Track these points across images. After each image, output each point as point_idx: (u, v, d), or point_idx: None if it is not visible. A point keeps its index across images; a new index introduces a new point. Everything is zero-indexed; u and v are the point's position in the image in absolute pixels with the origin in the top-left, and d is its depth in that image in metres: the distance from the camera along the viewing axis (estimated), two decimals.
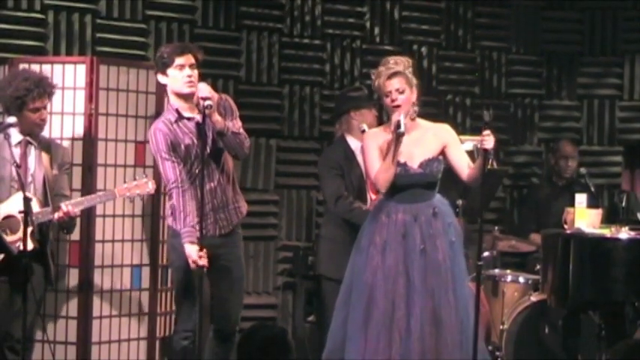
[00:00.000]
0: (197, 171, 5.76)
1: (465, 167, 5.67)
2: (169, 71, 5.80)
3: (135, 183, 5.91)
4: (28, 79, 5.86)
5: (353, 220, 6.44)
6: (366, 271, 5.61)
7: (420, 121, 5.74)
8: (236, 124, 5.86)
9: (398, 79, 5.61)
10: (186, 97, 5.83)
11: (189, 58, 5.80)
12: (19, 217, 5.65)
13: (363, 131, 6.52)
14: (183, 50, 5.83)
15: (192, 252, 5.65)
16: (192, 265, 5.66)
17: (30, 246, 5.54)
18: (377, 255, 5.59)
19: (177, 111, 5.85)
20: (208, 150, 5.79)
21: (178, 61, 5.78)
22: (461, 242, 5.70)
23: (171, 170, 5.78)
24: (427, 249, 5.54)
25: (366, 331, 5.54)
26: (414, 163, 5.63)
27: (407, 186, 5.62)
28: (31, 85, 5.82)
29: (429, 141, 5.66)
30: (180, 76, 5.78)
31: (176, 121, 5.83)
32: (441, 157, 5.67)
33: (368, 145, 5.72)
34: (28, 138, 5.91)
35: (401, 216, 5.61)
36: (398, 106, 5.58)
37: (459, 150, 5.73)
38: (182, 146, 5.80)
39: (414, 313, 5.48)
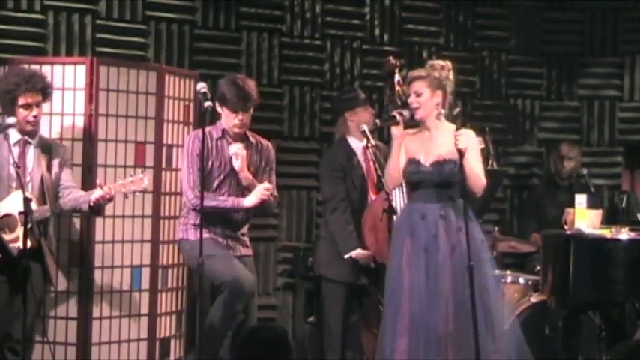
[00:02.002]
0: (219, 190, 6.10)
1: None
2: (224, 108, 6.08)
3: (130, 179, 5.91)
4: (19, 74, 5.90)
5: (336, 238, 6.53)
6: (388, 270, 5.72)
7: (447, 123, 5.80)
8: (271, 179, 6.25)
9: (417, 83, 5.76)
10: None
11: (246, 109, 6.09)
12: (17, 215, 5.68)
13: (363, 132, 6.53)
14: (244, 106, 6.06)
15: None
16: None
17: (28, 244, 5.54)
18: (394, 253, 5.69)
19: (223, 131, 6.15)
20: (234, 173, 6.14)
21: (234, 107, 6.05)
22: (476, 246, 5.65)
23: (195, 183, 6.02)
24: (430, 249, 5.58)
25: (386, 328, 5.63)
26: (427, 162, 5.70)
27: (417, 183, 5.70)
28: (21, 80, 5.83)
29: (447, 143, 5.68)
30: (232, 118, 6.08)
31: (217, 139, 6.13)
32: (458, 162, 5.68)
33: (394, 143, 5.83)
34: (26, 137, 5.90)
35: (411, 215, 5.71)
36: (416, 108, 5.73)
37: (474, 158, 5.73)
38: (209, 162, 6.07)
39: (414, 314, 5.51)
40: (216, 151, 6.12)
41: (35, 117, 5.87)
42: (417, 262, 5.59)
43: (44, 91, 5.91)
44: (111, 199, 5.90)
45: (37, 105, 5.88)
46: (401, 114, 5.71)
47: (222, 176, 6.12)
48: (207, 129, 6.11)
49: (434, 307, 5.52)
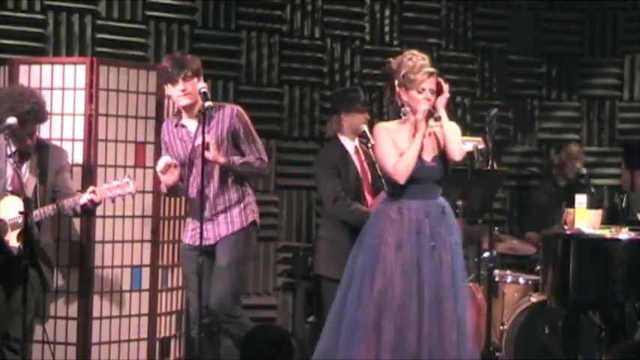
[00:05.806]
0: (190, 177, 5.94)
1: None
2: (169, 86, 5.95)
3: (116, 183, 5.89)
4: (13, 110, 5.75)
5: (351, 222, 6.42)
6: (376, 271, 5.52)
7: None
8: (253, 148, 5.96)
9: (433, 80, 5.56)
10: (188, 107, 5.98)
11: (185, 74, 5.89)
12: (8, 220, 5.73)
13: (364, 132, 6.52)
14: (180, 72, 5.87)
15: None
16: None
17: (16, 245, 5.66)
18: (390, 254, 5.51)
19: (179, 114, 6.03)
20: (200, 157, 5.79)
21: (172, 77, 5.89)
22: (461, 244, 5.69)
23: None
24: (437, 246, 5.53)
25: (379, 331, 5.48)
26: (428, 157, 5.60)
27: (421, 179, 5.58)
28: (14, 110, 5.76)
29: (438, 139, 5.64)
30: (174, 91, 5.92)
31: (176, 125, 6.02)
32: None
33: (382, 138, 5.62)
34: (21, 148, 5.90)
35: (414, 212, 5.56)
36: (430, 104, 5.55)
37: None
38: (174, 149, 5.98)
39: (425, 312, 5.46)
40: (176, 136, 5.99)
41: (27, 146, 5.87)
42: (424, 260, 5.47)
43: (37, 120, 5.85)
44: (99, 203, 5.88)
45: (30, 136, 5.86)
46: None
47: (185, 162, 5.93)
48: (169, 118, 6.10)
49: (445, 302, 5.46)
